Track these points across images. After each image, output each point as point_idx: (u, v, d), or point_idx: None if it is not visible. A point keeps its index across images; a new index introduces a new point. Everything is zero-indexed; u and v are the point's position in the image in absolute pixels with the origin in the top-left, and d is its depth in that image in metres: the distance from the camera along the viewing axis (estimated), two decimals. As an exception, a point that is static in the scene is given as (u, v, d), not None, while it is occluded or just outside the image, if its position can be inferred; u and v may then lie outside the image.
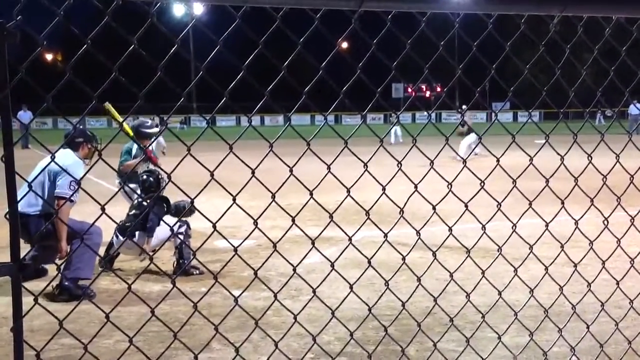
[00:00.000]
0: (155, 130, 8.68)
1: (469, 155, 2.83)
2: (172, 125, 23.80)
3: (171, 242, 7.36)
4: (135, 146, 8.67)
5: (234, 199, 2.08)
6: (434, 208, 2.58)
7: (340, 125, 59.59)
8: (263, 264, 2.63)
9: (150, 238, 7.13)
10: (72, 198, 6.22)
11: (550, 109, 46.99)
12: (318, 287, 2.54)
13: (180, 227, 7.21)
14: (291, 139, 2.71)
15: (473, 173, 2.72)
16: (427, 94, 69.59)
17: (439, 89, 62.38)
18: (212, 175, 1.99)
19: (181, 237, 7.23)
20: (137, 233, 7.18)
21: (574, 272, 3.16)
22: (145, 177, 7.56)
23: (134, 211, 7.53)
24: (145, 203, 7.43)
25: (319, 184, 2.41)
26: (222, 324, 2.72)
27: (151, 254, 7.08)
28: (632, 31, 2.81)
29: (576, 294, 3.52)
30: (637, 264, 3.38)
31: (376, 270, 2.78)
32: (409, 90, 62.80)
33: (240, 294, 2.72)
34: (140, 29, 1.84)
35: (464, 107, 22.75)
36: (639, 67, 3.09)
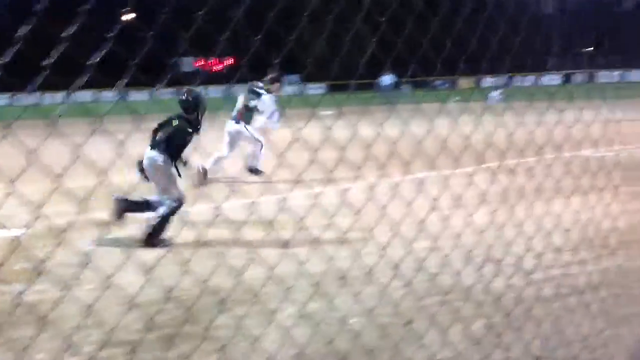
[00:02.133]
0: None
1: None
2: None
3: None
4: None
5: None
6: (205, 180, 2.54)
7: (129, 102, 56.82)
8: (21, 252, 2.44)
9: None
10: None
11: (336, 81, 47.21)
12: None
13: None
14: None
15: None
16: (219, 67, 68.89)
17: (231, 61, 62.05)
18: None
19: None
20: None
21: (342, 241, 3.25)
22: None
23: None
24: None
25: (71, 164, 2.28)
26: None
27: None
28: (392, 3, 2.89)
29: (348, 259, 3.67)
30: (406, 227, 3.57)
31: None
32: (196, 64, 61.78)
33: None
34: None
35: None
36: (400, 38, 3.18)
